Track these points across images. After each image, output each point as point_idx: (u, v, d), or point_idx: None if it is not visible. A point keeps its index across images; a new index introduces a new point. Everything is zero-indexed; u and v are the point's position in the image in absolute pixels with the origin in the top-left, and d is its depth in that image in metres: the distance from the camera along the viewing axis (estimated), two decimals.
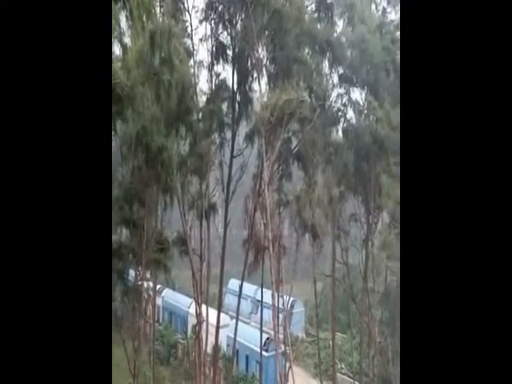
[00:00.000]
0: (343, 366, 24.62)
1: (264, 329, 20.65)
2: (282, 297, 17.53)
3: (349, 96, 16.88)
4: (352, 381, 22.24)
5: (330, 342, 21.13)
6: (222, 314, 20.11)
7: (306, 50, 15.37)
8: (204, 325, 17.01)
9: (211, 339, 18.22)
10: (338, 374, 22.72)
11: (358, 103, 16.91)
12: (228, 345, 22.77)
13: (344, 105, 17.07)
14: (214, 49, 14.36)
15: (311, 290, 20.60)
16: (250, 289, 26.20)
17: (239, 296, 18.63)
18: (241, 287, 18.17)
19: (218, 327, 17.57)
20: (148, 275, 18.43)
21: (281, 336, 18.27)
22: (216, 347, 18.35)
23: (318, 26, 15.11)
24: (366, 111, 16.84)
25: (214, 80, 14.71)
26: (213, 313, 18.21)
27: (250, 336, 22.82)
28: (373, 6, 16.02)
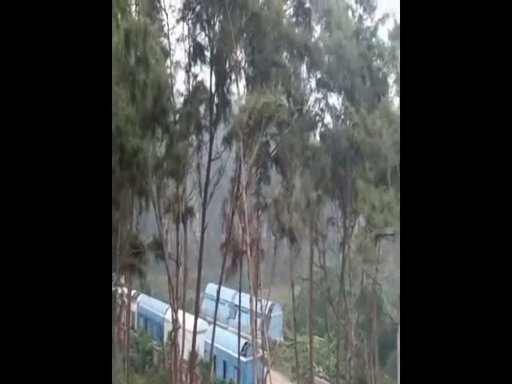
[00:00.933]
0: (321, 369, 24.52)
1: (242, 333, 20.28)
2: (260, 301, 17.26)
3: (326, 101, 16.94)
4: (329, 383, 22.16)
5: (308, 346, 20.99)
6: (200, 320, 19.62)
7: (285, 54, 15.31)
8: (180, 331, 16.48)
9: (188, 345, 17.69)
10: (316, 378, 22.58)
11: (335, 108, 16.99)
12: (205, 351, 22.23)
13: (321, 109, 17.10)
14: (191, 49, 14.03)
15: (289, 294, 20.44)
16: (227, 293, 25.78)
17: (217, 301, 18.20)
18: (218, 292, 17.76)
19: (195, 333, 17.07)
20: (122, 280, 17.74)
21: (259, 340, 17.98)
22: (193, 353, 17.82)
23: (296, 30, 15.09)
24: (342, 116, 16.92)
25: (191, 81, 14.37)
26: (190, 318, 17.71)
27: (227, 341, 22.37)
28: (349, 13, 16.16)
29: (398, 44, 16.48)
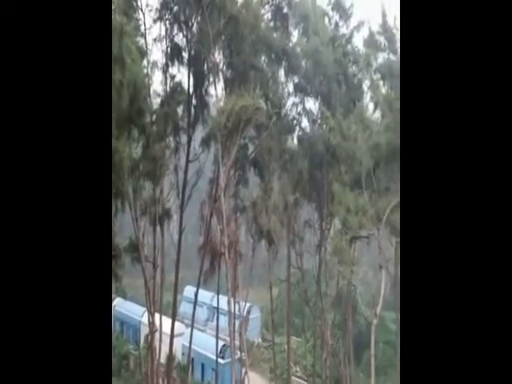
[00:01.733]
0: (298, 369, 24.58)
1: (220, 336, 20.06)
2: (239, 303, 17.13)
3: (303, 105, 17.04)
4: (306, 383, 22.22)
5: (286, 346, 20.99)
6: (177, 323, 19.25)
7: (263, 58, 15.30)
8: (157, 334, 16.10)
9: (165, 349, 17.31)
10: (293, 378, 22.61)
11: (312, 112, 17.12)
12: (183, 353, 21.84)
13: (299, 113, 17.21)
14: (168, 50, 13.77)
15: (267, 296, 20.40)
16: (206, 296, 25.47)
17: (195, 303, 17.92)
18: (196, 294, 17.49)
19: (172, 336, 16.73)
20: None
21: (237, 342, 17.82)
22: (170, 356, 17.45)
23: (274, 34, 15.12)
24: (319, 120, 17.08)
25: (168, 82, 14.11)
26: (167, 321, 17.34)
27: (205, 344, 22.07)
28: (326, 20, 16.35)
29: (372, 52, 16.83)
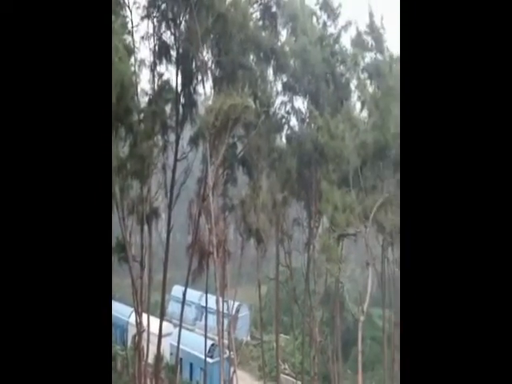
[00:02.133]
0: (286, 366, 24.64)
1: (209, 335, 19.92)
2: (227, 302, 17.04)
3: (292, 104, 17.04)
4: (295, 380, 22.29)
5: (274, 344, 21.01)
6: (165, 323, 19.03)
7: (251, 57, 15.22)
8: (145, 334, 15.88)
9: (153, 349, 17.09)
10: (282, 375, 22.64)
11: (301, 111, 17.13)
12: (171, 353, 21.63)
13: (287, 112, 17.20)
14: (156, 48, 13.55)
15: (256, 294, 20.36)
16: (194, 295, 25.27)
17: (183, 302, 17.74)
18: (184, 294, 17.32)
19: (160, 336, 16.52)
20: None
21: (226, 341, 17.73)
22: (158, 357, 17.24)
23: (263, 33, 15.05)
24: (307, 119, 17.10)
25: (156, 80, 13.89)
26: (155, 321, 17.12)
27: (194, 343, 21.90)
28: (314, 19, 16.37)
29: (359, 51, 16.94)
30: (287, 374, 23.81)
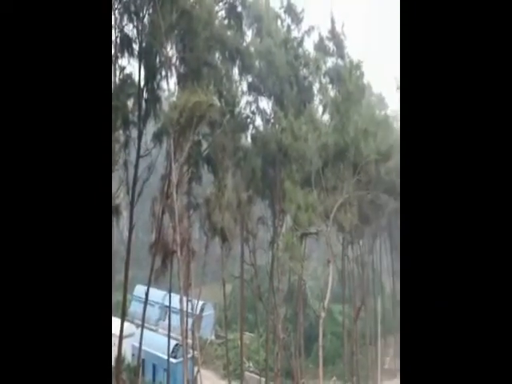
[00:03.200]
0: (251, 364, 24.59)
1: (173, 335, 19.44)
2: (191, 301, 16.69)
3: (257, 104, 17.09)
4: (259, 377, 22.29)
5: (239, 342, 20.89)
6: (127, 323, 18.33)
7: (217, 55, 15.09)
8: None
9: (114, 350, 16.40)
10: (246, 373, 22.56)
11: (266, 112, 17.23)
12: (133, 355, 20.88)
13: (253, 112, 17.23)
14: (118, 40, 13.05)
15: (220, 292, 20.16)
16: (157, 294, 24.59)
17: (145, 302, 17.17)
18: (147, 293, 16.77)
19: (121, 337, 15.86)
20: None
21: (190, 341, 17.35)
22: (119, 358, 16.54)
23: (228, 32, 14.97)
24: (272, 120, 17.23)
25: (118, 74, 13.36)
26: (116, 322, 16.44)
27: (157, 344, 21.29)
28: (278, 22, 16.54)
29: (321, 56, 17.34)
30: (251, 372, 23.76)
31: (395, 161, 18.84)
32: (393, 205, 20.93)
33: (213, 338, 27.35)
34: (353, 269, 23.05)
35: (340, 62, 17.13)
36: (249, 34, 16.24)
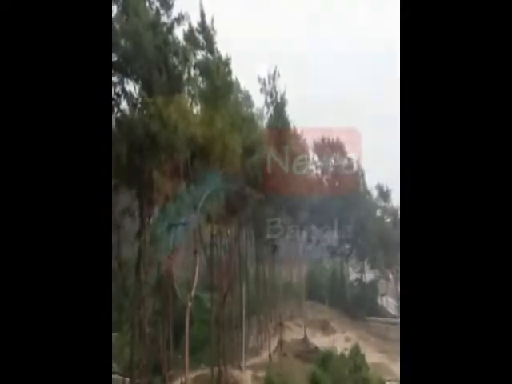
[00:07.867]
0: (115, 365, 22.21)
1: None
2: None
3: (123, 86, 15.38)
4: (122, 378, 20.33)
5: None
6: None
7: None
8: None
9: None
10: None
11: (132, 95, 15.66)
12: None
13: (117, 94, 15.42)
14: None
15: None
16: None
17: None
18: None
19: None
20: None
21: None
22: None
23: None
24: (139, 105, 15.79)
25: None
26: None
27: None
28: (146, 3, 15.24)
29: (191, 47, 16.79)
30: (115, 373, 21.45)
31: (258, 156, 19.83)
32: (256, 196, 21.96)
33: None
34: (220, 257, 23.31)
35: (209, 56, 16.88)
36: (113, 10, 14.41)
